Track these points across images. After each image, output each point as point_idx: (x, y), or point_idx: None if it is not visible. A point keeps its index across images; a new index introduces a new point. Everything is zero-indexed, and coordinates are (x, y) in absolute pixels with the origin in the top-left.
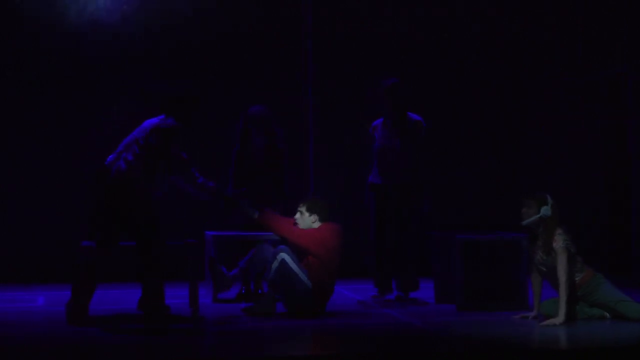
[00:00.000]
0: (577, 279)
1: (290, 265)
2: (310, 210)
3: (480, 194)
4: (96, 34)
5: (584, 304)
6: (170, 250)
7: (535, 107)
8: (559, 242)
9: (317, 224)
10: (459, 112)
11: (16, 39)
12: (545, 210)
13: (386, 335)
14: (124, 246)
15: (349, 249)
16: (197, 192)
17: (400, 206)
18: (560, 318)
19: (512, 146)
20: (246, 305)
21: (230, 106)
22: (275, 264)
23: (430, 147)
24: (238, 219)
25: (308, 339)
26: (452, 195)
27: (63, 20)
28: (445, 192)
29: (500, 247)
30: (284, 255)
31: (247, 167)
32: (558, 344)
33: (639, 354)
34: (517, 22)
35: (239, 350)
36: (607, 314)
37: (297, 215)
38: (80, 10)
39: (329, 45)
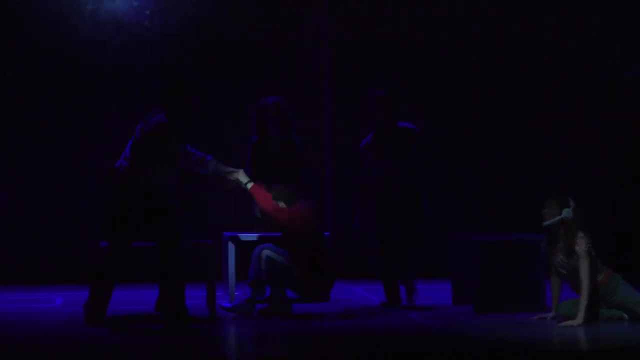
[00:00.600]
0: (597, 280)
1: (274, 259)
2: (276, 199)
3: (480, 194)
4: (96, 34)
5: (602, 305)
6: (188, 250)
7: (535, 107)
8: (581, 245)
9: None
10: (459, 112)
11: (16, 39)
12: (567, 212)
13: (401, 336)
14: (141, 246)
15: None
16: (195, 168)
17: (402, 211)
18: (578, 320)
19: (512, 146)
20: (262, 307)
21: (232, 107)
22: (263, 265)
23: (427, 151)
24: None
25: (320, 340)
26: (452, 196)
27: (63, 20)
28: (444, 192)
29: (518, 248)
30: (267, 252)
31: (264, 158)
32: (577, 345)
33: None
34: (517, 22)
35: (252, 351)
36: (626, 315)
37: None
38: (81, 10)
39: (329, 44)
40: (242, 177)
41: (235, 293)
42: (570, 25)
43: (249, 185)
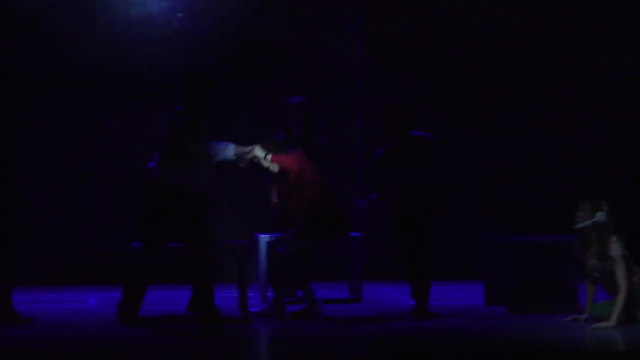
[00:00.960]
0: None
1: (289, 257)
2: (269, 148)
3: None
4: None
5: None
6: (220, 251)
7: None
8: (616, 249)
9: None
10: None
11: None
12: (600, 216)
13: (434, 337)
14: (173, 247)
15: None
16: (218, 159)
17: (416, 218)
18: (612, 322)
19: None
20: (296, 309)
21: (260, 108)
22: (284, 268)
23: (445, 159)
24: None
25: (346, 342)
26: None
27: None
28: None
29: (550, 249)
30: (281, 255)
31: None
32: (611, 346)
33: None
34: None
35: (284, 351)
36: None
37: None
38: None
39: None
40: (258, 151)
41: (268, 294)
42: (581, 25)
43: (269, 157)
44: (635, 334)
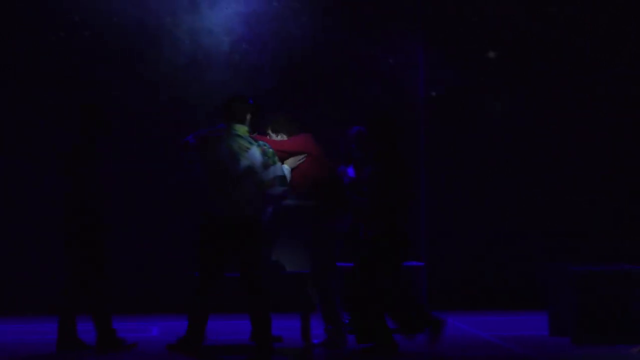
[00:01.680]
0: None
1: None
2: (276, 131)
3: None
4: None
5: None
6: (281, 281)
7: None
8: None
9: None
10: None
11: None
12: None
13: None
14: (233, 276)
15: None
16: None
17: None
18: None
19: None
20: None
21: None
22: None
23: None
24: None
25: None
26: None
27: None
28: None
29: (616, 278)
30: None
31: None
32: None
33: None
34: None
35: None
36: None
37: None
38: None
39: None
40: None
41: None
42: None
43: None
44: None
